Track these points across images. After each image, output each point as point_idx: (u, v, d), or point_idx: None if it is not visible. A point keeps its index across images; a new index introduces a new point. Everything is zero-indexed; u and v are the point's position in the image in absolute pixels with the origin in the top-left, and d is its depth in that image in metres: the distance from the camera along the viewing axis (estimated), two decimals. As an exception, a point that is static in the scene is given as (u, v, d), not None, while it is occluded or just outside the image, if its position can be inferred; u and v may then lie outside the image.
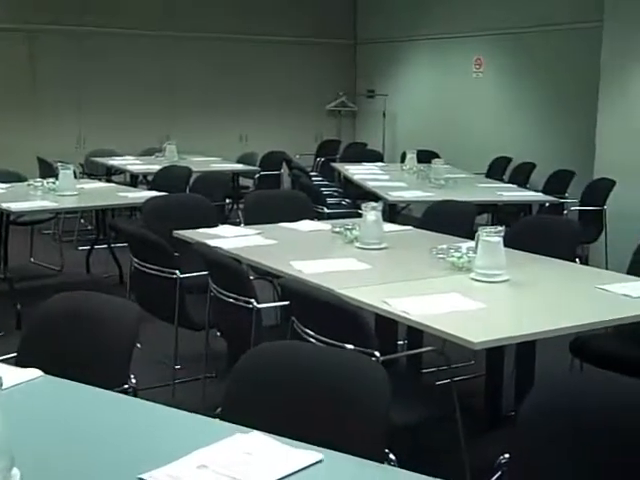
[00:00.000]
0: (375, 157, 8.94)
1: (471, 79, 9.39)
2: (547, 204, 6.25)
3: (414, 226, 4.52)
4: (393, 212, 5.80)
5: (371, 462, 1.66)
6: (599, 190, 6.38)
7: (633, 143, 6.70)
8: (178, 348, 4.17)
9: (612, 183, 6.31)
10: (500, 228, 3.23)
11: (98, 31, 9.28)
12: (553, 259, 3.62)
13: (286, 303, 2.88)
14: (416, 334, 3.55)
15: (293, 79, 10.60)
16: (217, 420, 1.89)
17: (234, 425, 1.80)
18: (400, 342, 3.91)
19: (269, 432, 1.75)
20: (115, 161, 7.82)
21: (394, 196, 5.74)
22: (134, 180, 7.51)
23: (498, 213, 6.77)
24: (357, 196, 6.70)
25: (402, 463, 2.28)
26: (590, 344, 3.41)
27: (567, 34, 8.08)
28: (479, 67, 9.29)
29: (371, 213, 3.81)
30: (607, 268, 5.67)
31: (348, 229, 3.96)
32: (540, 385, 1.76)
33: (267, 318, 3.58)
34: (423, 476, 1.59)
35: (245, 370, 1.95)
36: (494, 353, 3.48)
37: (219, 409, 1.97)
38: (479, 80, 9.31)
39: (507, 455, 1.76)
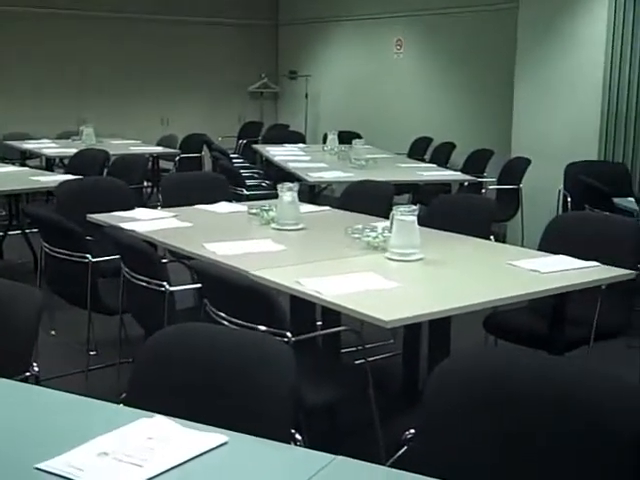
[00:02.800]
0: (297, 138, 8.92)
1: (392, 60, 9.43)
2: (466, 183, 6.32)
3: (332, 206, 4.53)
4: (313, 193, 5.79)
5: (276, 443, 1.65)
6: (515, 169, 6.49)
7: (547, 123, 6.83)
8: (95, 334, 4.09)
9: (527, 162, 6.43)
10: (414, 207, 3.23)
11: (6, 10, 8.99)
12: (468, 237, 3.66)
13: (198, 286, 2.84)
14: (333, 314, 3.55)
15: (215, 61, 10.48)
16: (121, 406, 1.85)
17: (138, 410, 1.77)
18: (320, 322, 3.92)
19: (174, 416, 1.72)
20: (30, 145, 7.61)
21: (314, 177, 5.73)
22: (50, 164, 7.33)
23: (419, 193, 6.85)
24: (278, 178, 6.63)
25: (317, 442, 2.27)
26: (503, 320, 3.47)
27: (484, 15, 8.18)
28: (399, 48, 9.33)
29: (287, 194, 3.79)
30: (523, 245, 5.78)
31: (265, 210, 3.93)
32: (444, 361, 1.77)
33: (186, 301, 3.55)
34: (326, 454, 1.58)
35: (149, 354, 1.91)
36: (410, 331, 3.51)
37: (123, 394, 1.92)
38: (400, 61, 9.36)
39: (412, 430, 1.77)
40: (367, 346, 4.23)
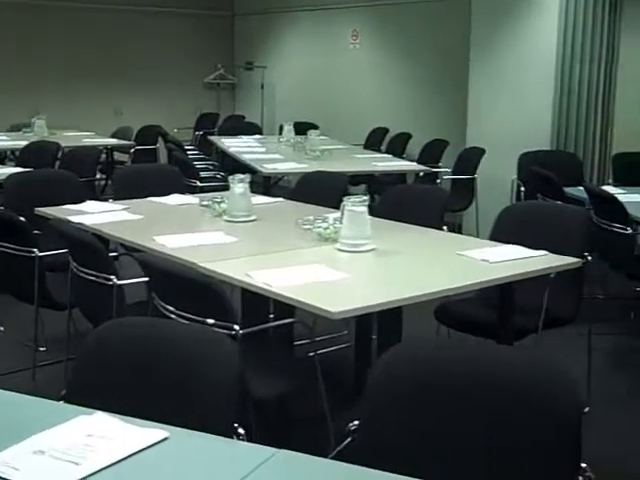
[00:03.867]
0: (253, 130, 8.88)
1: (348, 50, 9.43)
2: (421, 173, 6.35)
3: (286, 198, 4.51)
4: (268, 184, 5.77)
5: (218, 437, 1.64)
6: (470, 159, 6.53)
7: (501, 113, 6.87)
8: (45, 330, 4.03)
9: (482, 152, 6.47)
10: (364, 198, 3.23)
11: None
12: (419, 227, 3.66)
13: (146, 279, 2.80)
14: (287, 306, 3.54)
15: (170, 52, 10.38)
16: (61, 403, 1.82)
17: (77, 407, 1.74)
18: (272, 315, 3.90)
19: (116, 412, 1.70)
20: (-20, 137, 7.47)
21: (268, 168, 5.71)
22: (1, 157, 7.20)
23: (375, 183, 6.85)
24: (233, 169, 6.60)
25: (267, 435, 2.26)
26: (453, 310, 3.49)
27: (439, 6, 8.20)
28: (355, 38, 9.33)
29: (238, 186, 3.76)
30: (478, 234, 5.83)
31: (216, 202, 3.90)
32: (386, 352, 1.77)
33: (139, 295, 3.50)
34: (267, 448, 1.57)
35: (90, 350, 1.88)
36: (362, 322, 3.51)
37: (64, 391, 1.89)
38: (356, 51, 9.36)
39: (356, 422, 1.77)
40: (322, 338, 4.27)
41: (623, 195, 4.86)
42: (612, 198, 4.42)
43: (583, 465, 1.60)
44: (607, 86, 6.79)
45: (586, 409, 3.67)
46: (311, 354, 2.83)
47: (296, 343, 3.75)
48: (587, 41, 6.57)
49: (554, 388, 1.64)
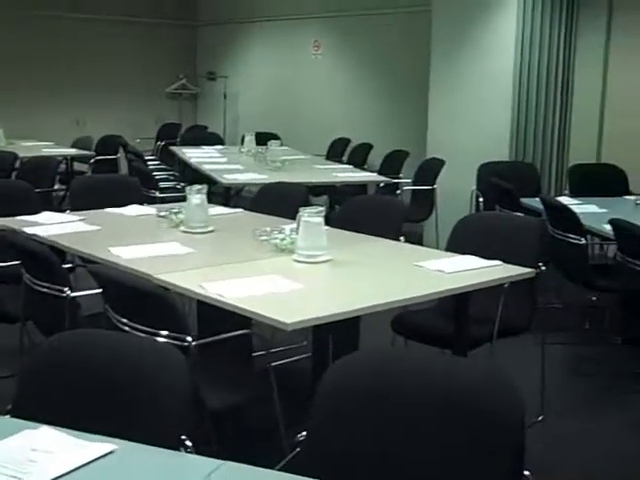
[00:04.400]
0: (215, 140, 8.87)
1: (310, 61, 9.46)
2: (382, 184, 6.38)
3: (245, 209, 4.50)
4: (228, 195, 5.76)
5: (164, 450, 1.63)
6: (430, 170, 6.58)
7: (461, 124, 6.94)
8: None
9: (441, 163, 6.52)
10: (320, 208, 3.24)
11: None
12: (377, 238, 3.69)
13: (99, 291, 2.78)
14: (245, 318, 3.53)
15: (132, 61, 10.34)
16: (6, 417, 1.80)
17: (22, 421, 1.72)
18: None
19: (63, 426, 1.68)
20: (-64, 147, 7.36)
21: (229, 179, 5.71)
22: (-43, 167, 7.10)
23: (336, 194, 6.87)
24: (194, 180, 6.60)
25: (222, 447, 2.26)
26: (410, 320, 3.51)
27: (400, 17, 8.26)
28: (317, 49, 9.36)
29: (196, 196, 3.75)
30: (438, 245, 5.86)
31: (174, 213, 3.89)
32: (333, 364, 1.78)
33: (96, 307, 3.46)
34: (214, 460, 1.57)
35: (38, 363, 1.86)
36: (319, 333, 3.50)
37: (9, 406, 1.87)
38: (318, 62, 9.39)
39: (304, 432, 1.77)
40: (283, 349, 4.27)
41: (578, 206, 4.93)
42: (566, 209, 4.48)
43: (526, 473, 1.62)
44: (563, 99, 6.89)
45: (539, 418, 3.72)
46: (276, 364, 2.83)
47: (255, 354, 3.74)
48: (544, 55, 6.67)
49: (498, 398, 1.66)
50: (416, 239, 6.75)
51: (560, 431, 3.66)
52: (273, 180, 5.24)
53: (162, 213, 3.98)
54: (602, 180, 6.05)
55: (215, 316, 3.43)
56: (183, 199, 4.64)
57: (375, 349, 2.00)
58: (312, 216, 3.19)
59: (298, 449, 1.76)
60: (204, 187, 3.78)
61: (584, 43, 6.86)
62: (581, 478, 3.26)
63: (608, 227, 4.03)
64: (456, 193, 6.52)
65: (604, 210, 4.88)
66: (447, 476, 1.67)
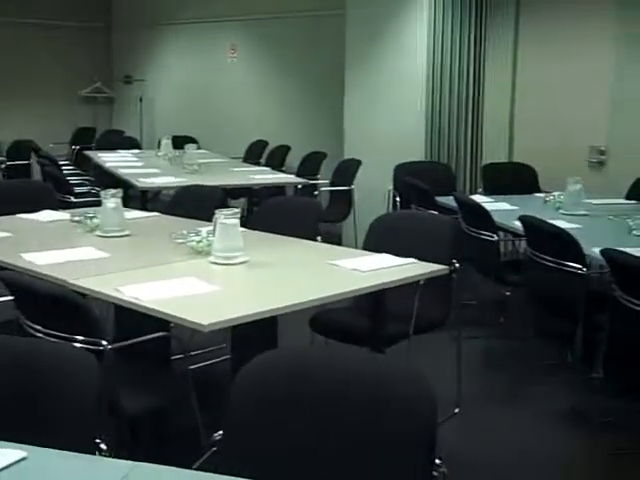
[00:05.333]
0: (131, 144, 8.77)
1: (227, 64, 9.44)
2: (300, 185, 6.42)
3: (162, 212, 4.48)
4: (145, 199, 5.71)
5: (78, 454, 1.62)
6: (347, 170, 6.66)
7: (377, 125, 7.03)
8: None
9: (358, 163, 6.60)
10: (236, 210, 3.25)
11: None
12: (293, 238, 3.72)
13: (10, 298, 2.73)
14: (163, 321, 3.52)
15: (45, 64, 10.12)
16: None
17: None
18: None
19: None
20: None
21: (145, 182, 5.66)
22: None
23: (254, 196, 6.87)
24: (109, 184, 6.50)
25: (140, 450, 2.24)
26: (328, 319, 3.55)
27: (315, 20, 8.31)
28: (234, 52, 9.35)
29: (110, 200, 3.72)
30: (356, 244, 5.93)
31: (88, 217, 3.84)
32: (248, 362, 1.80)
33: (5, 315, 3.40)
34: (127, 462, 1.57)
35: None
36: (237, 334, 3.51)
37: None
38: (234, 65, 9.38)
39: (221, 432, 1.78)
40: (202, 351, 4.26)
41: (490, 204, 5.06)
42: (479, 207, 4.59)
43: (438, 461, 1.67)
44: (475, 99, 7.05)
45: (456, 410, 3.81)
46: (191, 368, 2.83)
47: (174, 358, 3.73)
48: (455, 56, 6.82)
49: (412, 392, 1.70)
50: (335, 239, 6.81)
51: (476, 422, 3.75)
52: (190, 183, 5.22)
53: (76, 218, 3.93)
54: (514, 178, 6.22)
55: (133, 320, 3.41)
56: (99, 204, 4.60)
57: (291, 347, 2.02)
58: (228, 218, 3.20)
59: (214, 448, 1.77)
60: (119, 191, 3.75)
61: (494, 42, 7.03)
62: (495, 467, 3.35)
63: (518, 224, 4.15)
64: (373, 193, 6.61)
65: (515, 207, 5.02)
66: (362, 469, 1.70)
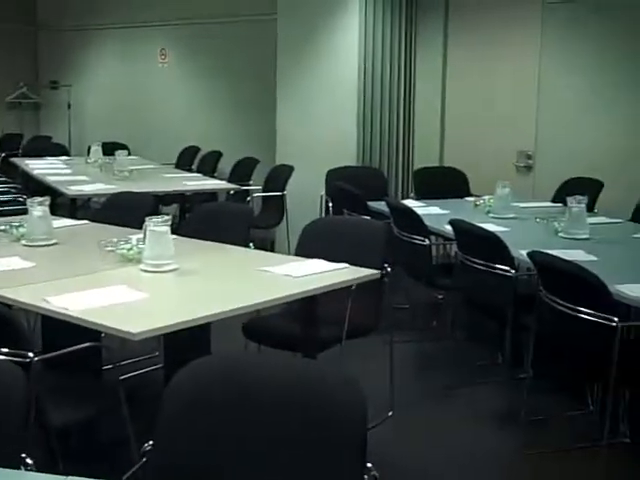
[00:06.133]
0: (60, 151, 8.61)
1: (157, 69, 9.35)
2: (232, 191, 6.40)
3: (91, 220, 4.41)
4: (74, 206, 5.61)
5: (4, 470, 1.58)
6: (279, 176, 6.66)
7: (309, 130, 7.04)
8: None
9: (291, 169, 6.60)
10: (167, 217, 3.22)
11: None
12: (225, 245, 3.70)
13: None
14: (93, 331, 3.46)
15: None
16: None
17: None
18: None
19: None
20: None
21: (74, 190, 5.57)
22: None
23: (186, 203, 6.82)
24: (37, 192, 6.38)
25: (70, 462, 2.19)
26: (261, 325, 3.54)
27: (247, 25, 8.29)
28: (164, 57, 9.27)
29: (37, 208, 3.65)
30: (289, 250, 5.93)
31: (14, 226, 3.76)
32: (180, 371, 1.78)
33: None
34: (56, 476, 1.53)
35: None
36: (170, 342, 3.47)
37: None
38: (165, 70, 9.30)
39: (151, 442, 1.76)
40: (134, 360, 4.20)
41: (422, 208, 5.12)
42: (410, 211, 4.64)
43: (369, 465, 1.68)
44: (407, 103, 7.12)
45: (389, 413, 3.84)
46: (121, 378, 2.79)
47: (105, 368, 3.67)
48: (386, 62, 6.88)
49: (343, 397, 1.70)
50: (268, 245, 6.82)
51: (409, 425, 3.79)
52: (121, 190, 5.16)
53: (1, 227, 3.84)
54: (445, 183, 6.31)
55: (61, 330, 3.34)
56: (26, 212, 4.50)
57: (223, 354, 2.01)
58: (158, 225, 3.17)
59: (145, 459, 1.75)
60: (46, 199, 3.68)
61: (424, 47, 7.12)
62: (427, 469, 3.39)
63: (449, 227, 4.21)
64: (306, 198, 6.62)
65: (446, 211, 5.09)
66: (294, 475, 1.70)
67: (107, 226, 4.19)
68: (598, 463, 3.10)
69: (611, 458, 3.16)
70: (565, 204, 4.47)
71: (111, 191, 5.34)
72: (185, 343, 3.40)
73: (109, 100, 9.91)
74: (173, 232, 3.39)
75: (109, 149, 7.48)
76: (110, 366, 3.39)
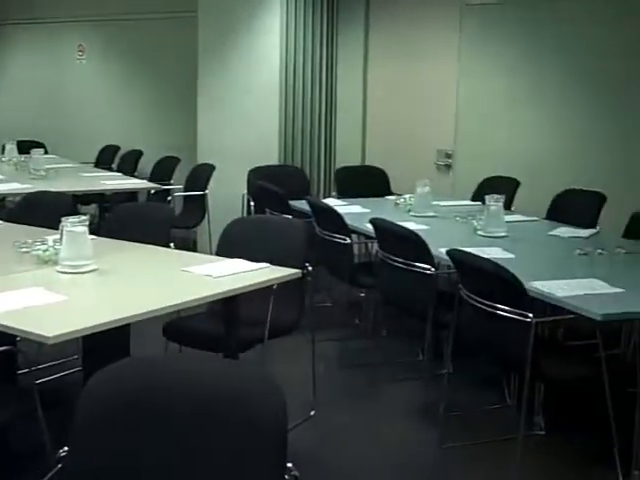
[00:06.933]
0: (-28, 149, 8.35)
1: (75, 66, 9.17)
2: (153, 191, 6.32)
3: (5, 220, 4.29)
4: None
5: None
6: (201, 175, 6.60)
7: (231, 129, 7.01)
8: None
9: (212, 168, 6.56)
10: (84, 217, 3.16)
11: None
12: (145, 245, 3.65)
13: None
14: (7, 335, 3.37)
15: None
16: None
17: None
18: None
19: None
20: None
21: (-12, 189, 5.42)
22: None
23: (106, 202, 6.71)
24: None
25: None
26: (181, 326, 3.51)
27: (167, 23, 8.20)
28: (82, 54, 9.09)
29: (-52, 208, 3.53)
30: (211, 250, 5.89)
31: None
32: (96, 374, 1.75)
33: None
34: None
35: None
36: (89, 345, 3.41)
37: None
38: (83, 67, 9.13)
39: (66, 448, 1.73)
40: (53, 363, 4.11)
41: (343, 207, 5.15)
42: (331, 210, 4.66)
43: (289, 465, 1.68)
44: (329, 104, 7.16)
45: (312, 412, 3.85)
46: (39, 382, 2.72)
47: (21, 372, 3.58)
48: (308, 62, 6.90)
49: (262, 397, 1.70)
50: (189, 245, 6.75)
51: (331, 424, 3.80)
52: (37, 189, 5.03)
53: None
54: (366, 182, 6.36)
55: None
56: None
57: (141, 356, 1.98)
58: (75, 225, 3.11)
59: (60, 465, 1.71)
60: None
61: (345, 47, 7.17)
62: (349, 467, 3.41)
63: (370, 226, 4.24)
64: (228, 198, 6.59)
65: (367, 210, 5.14)
66: (213, 476, 1.69)
67: (22, 226, 4.08)
68: (514, 455, 3.17)
69: (526, 450, 3.23)
70: (484, 203, 4.56)
71: (27, 190, 5.21)
72: (103, 346, 3.34)
73: (25, 97, 9.67)
74: (92, 232, 3.34)
75: (25, 147, 7.29)
76: (26, 370, 3.32)
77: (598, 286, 3.26)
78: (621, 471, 3.23)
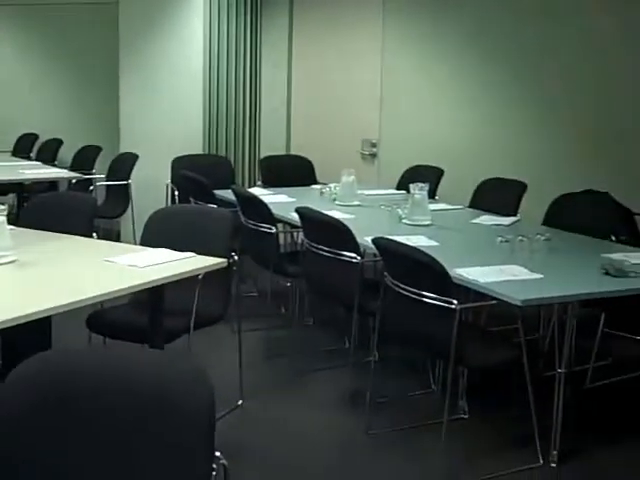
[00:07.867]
0: None
1: (-10, 51, 8.90)
2: (74, 180, 6.19)
3: None
4: None
5: None
6: (123, 164, 6.50)
7: (154, 118, 6.91)
8: None
9: (135, 157, 6.46)
10: (2, 207, 3.07)
11: None
12: (67, 235, 3.58)
13: None
14: None
15: None
16: None
17: None
18: None
19: None
20: None
21: None
22: None
23: (24, 192, 6.54)
24: None
25: None
26: (105, 317, 3.45)
27: (87, 9, 8.03)
28: (-4, 38, 8.83)
29: None
30: (135, 240, 5.80)
31: None
32: (17, 367, 1.71)
33: None
34: None
35: None
36: (8, 338, 3.33)
37: None
38: (-1, 53, 8.87)
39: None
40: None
41: (269, 196, 5.14)
42: (256, 199, 4.64)
43: (217, 454, 1.67)
44: (253, 93, 7.12)
45: (239, 402, 3.84)
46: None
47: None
48: (232, 50, 6.85)
49: (188, 387, 1.68)
50: (113, 235, 6.65)
51: (259, 413, 3.80)
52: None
53: None
54: (291, 171, 6.35)
55: None
56: None
57: (62, 349, 1.94)
58: (-7, 216, 3.02)
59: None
60: None
61: (269, 35, 7.13)
62: (276, 456, 3.41)
63: (296, 215, 4.24)
64: (151, 187, 6.50)
65: (293, 199, 5.14)
66: (140, 466, 1.67)
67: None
68: (438, 438, 3.22)
69: (450, 433, 3.28)
70: (408, 191, 4.60)
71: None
72: (24, 339, 3.26)
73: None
74: (10, 223, 3.25)
75: (-63, 136, 7.07)
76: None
77: (519, 272, 3.33)
78: (541, 452, 3.32)
